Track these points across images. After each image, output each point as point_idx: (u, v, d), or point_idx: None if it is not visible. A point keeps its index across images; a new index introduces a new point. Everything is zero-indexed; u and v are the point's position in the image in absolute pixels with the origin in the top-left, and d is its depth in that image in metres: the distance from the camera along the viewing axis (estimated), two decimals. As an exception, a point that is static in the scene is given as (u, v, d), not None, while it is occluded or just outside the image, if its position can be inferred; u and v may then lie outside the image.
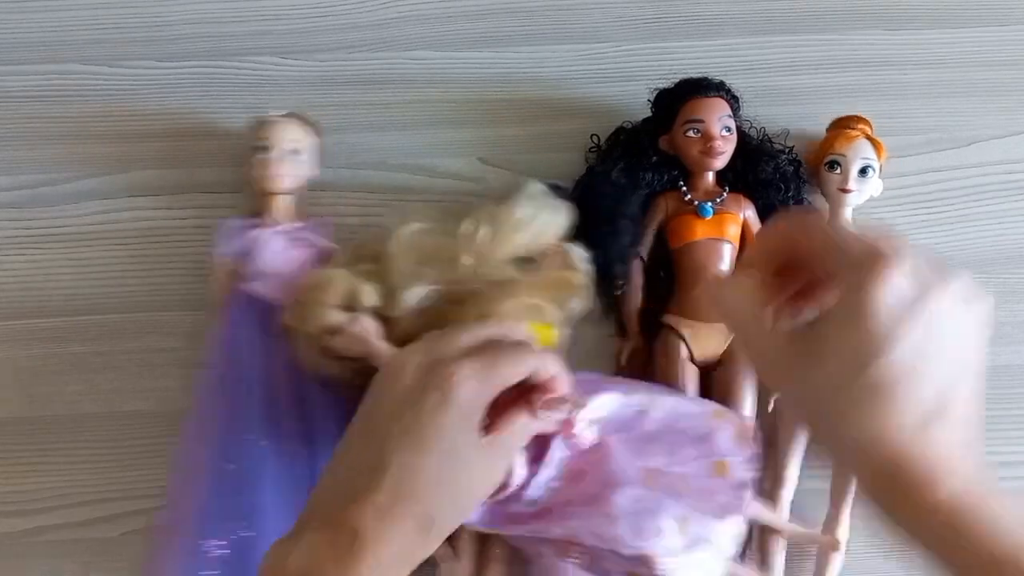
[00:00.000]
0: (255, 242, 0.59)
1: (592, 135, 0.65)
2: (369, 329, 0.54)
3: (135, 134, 0.65)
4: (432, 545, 0.41)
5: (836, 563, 0.58)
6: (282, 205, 0.61)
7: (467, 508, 0.43)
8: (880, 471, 0.33)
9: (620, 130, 0.64)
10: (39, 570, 0.54)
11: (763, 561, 0.59)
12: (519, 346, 0.45)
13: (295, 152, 0.60)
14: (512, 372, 0.43)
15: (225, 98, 0.66)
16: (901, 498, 0.32)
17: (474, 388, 0.41)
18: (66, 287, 0.63)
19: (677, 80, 0.62)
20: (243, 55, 0.67)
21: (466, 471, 0.41)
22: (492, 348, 0.43)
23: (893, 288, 0.32)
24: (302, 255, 0.60)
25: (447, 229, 0.57)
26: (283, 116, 0.61)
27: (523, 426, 0.44)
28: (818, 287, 0.37)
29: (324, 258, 0.60)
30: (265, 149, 0.60)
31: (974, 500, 0.32)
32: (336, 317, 0.54)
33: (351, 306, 0.55)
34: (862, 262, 0.33)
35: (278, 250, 0.59)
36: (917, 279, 0.32)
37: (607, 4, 0.69)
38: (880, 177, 0.62)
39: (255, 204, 0.61)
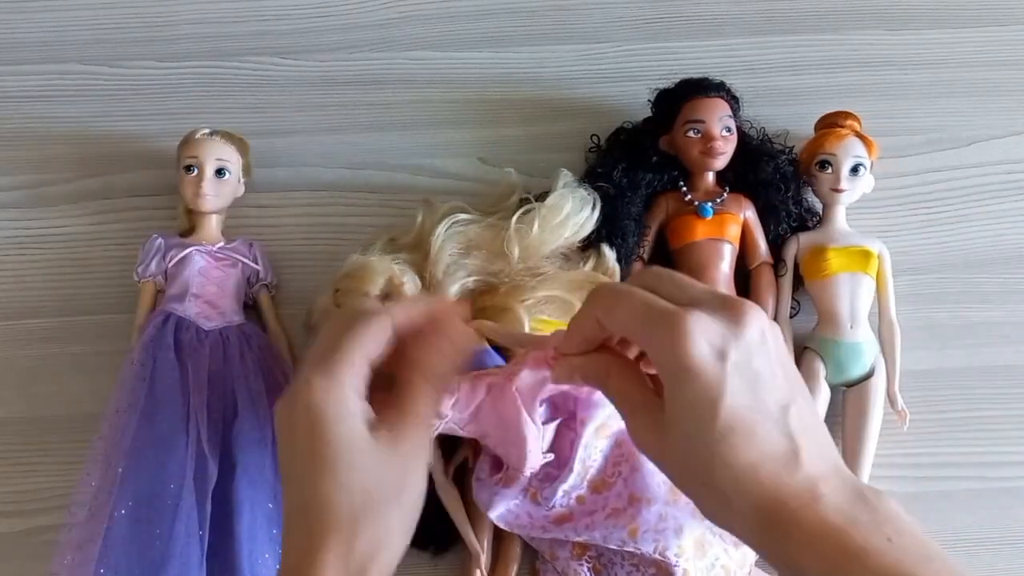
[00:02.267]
0: (179, 261, 0.59)
1: (592, 135, 0.65)
2: None
3: (135, 134, 0.65)
4: (377, 551, 0.37)
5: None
6: (209, 224, 0.60)
7: (398, 511, 0.38)
8: (761, 505, 0.33)
9: (620, 130, 0.64)
10: (39, 570, 0.54)
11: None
12: (357, 317, 0.40)
13: (222, 171, 0.59)
14: (362, 345, 0.39)
15: (225, 98, 0.66)
16: (788, 525, 0.33)
17: (322, 384, 0.37)
18: (66, 287, 0.62)
19: (677, 80, 0.62)
20: (243, 55, 0.67)
21: (363, 470, 0.37)
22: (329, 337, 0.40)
23: (698, 343, 0.34)
24: (227, 275, 0.59)
25: (489, 222, 0.57)
26: (210, 134, 0.60)
27: (425, 400, 0.40)
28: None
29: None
30: (191, 168, 0.59)
31: (855, 512, 0.33)
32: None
33: (390, 294, 0.54)
34: (656, 329, 0.35)
35: (203, 270, 0.59)
36: (713, 327, 0.35)
37: (608, 4, 0.69)
38: (872, 173, 0.62)
39: (185, 221, 0.62)
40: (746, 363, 0.34)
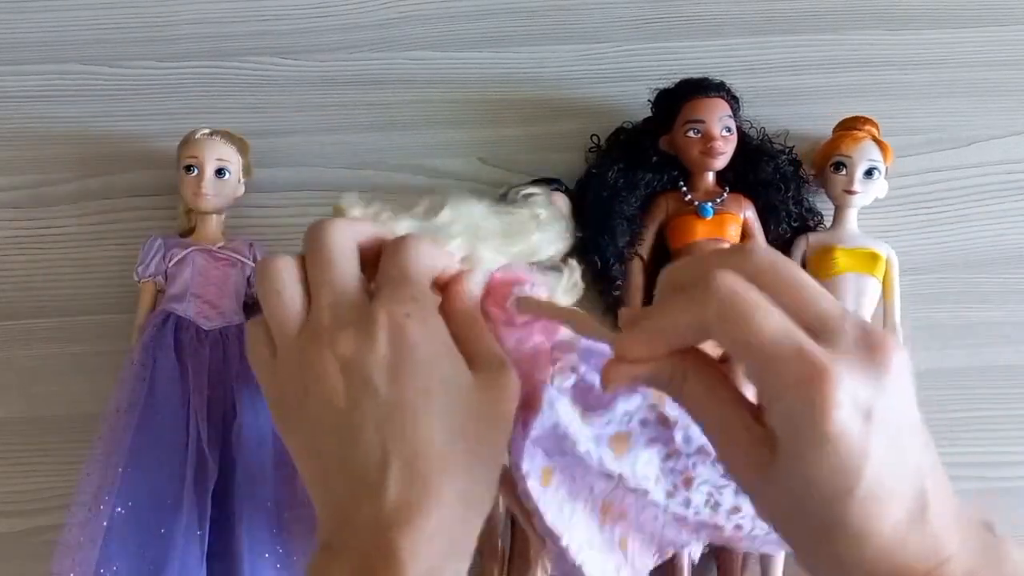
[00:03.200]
0: (179, 261, 0.59)
1: (592, 135, 0.65)
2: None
3: (135, 134, 0.65)
4: (477, 512, 0.35)
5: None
6: (209, 224, 0.60)
7: (493, 454, 0.36)
8: (884, 572, 0.29)
9: (620, 130, 0.64)
10: (39, 570, 0.54)
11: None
12: (412, 246, 0.38)
13: (222, 171, 0.59)
14: (430, 265, 0.37)
15: (225, 98, 0.66)
16: None
17: (421, 322, 0.35)
18: (66, 287, 0.62)
19: (677, 80, 0.62)
20: (243, 55, 0.67)
21: (469, 414, 0.34)
22: (391, 267, 0.37)
23: (844, 407, 0.28)
24: (227, 275, 0.59)
25: (498, 209, 0.54)
26: (210, 134, 0.60)
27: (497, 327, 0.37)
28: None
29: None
30: (191, 168, 0.59)
31: (984, 572, 0.29)
32: None
33: None
34: (802, 388, 0.28)
35: (203, 270, 0.59)
36: (859, 381, 0.28)
37: (608, 4, 0.69)
38: (886, 178, 0.62)
39: (185, 222, 0.62)
40: (891, 419, 0.29)
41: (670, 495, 0.39)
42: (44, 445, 0.60)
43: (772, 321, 0.29)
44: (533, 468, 0.37)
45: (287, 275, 0.37)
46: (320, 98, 0.67)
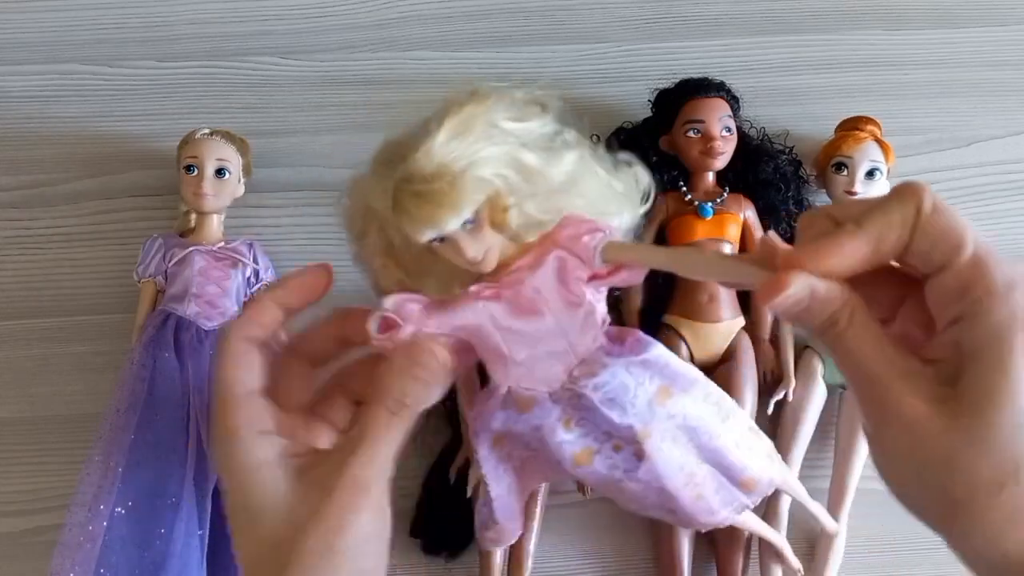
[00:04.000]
0: (180, 261, 0.59)
1: (592, 135, 0.64)
2: None
3: (135, 134, 0.65)
4: None
5: (836, 560, 0.58)
6: (209, 224, 0.60)
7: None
8: None
9: (620, 130, 0.64)
10: (39, 570, 0.54)
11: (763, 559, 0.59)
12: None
13: (222, 171, 0.59)
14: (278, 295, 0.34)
15: (225, 98, 0.66)
16: None
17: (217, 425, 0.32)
18: (66, 287, 0.63)
19: (677, 80, 0.62)
20: (243, 55, 0.67)
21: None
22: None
23: None
24: (227, 275, 0.59)
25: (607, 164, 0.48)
26: (210, 134, 0.60)
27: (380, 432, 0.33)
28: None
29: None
30: (191, 168, 0.59)
31: None
32: None
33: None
34: (1014, 291, 0.26)
35: (203, 270, 0.59)
36: None
37: (608, 4, 0.69)
38: (887, 179, 0.62)
39: (185, 221, 0.62)
40: None
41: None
42: (44, 445, 0.60)
43: (971, 228, 0.27)
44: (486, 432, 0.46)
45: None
46: (320, 98, 0.67)
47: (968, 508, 0.27)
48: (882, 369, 0.28)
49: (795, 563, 0.57)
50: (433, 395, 0.34)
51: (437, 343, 0.35)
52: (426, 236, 0.37)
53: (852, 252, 0.27)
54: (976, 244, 0.27)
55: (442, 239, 0.38)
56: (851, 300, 0.28)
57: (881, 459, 0.29)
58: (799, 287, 0.27)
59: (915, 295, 0.29)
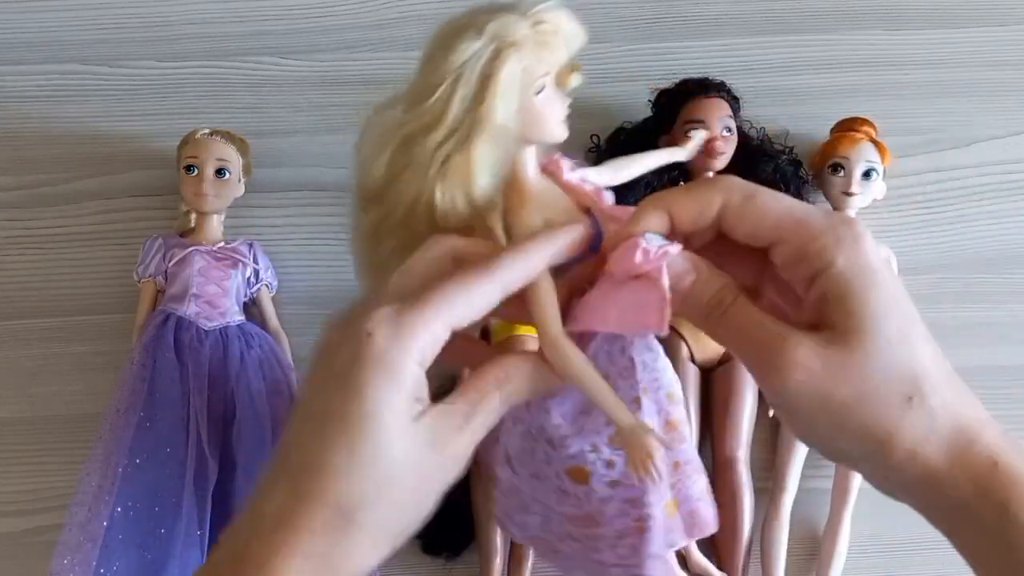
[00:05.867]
0: (180, 261, 0.59)
1: (592, 135, 0.65)
2: None
3: (135, 134, 0.65)
4: (359, 548, 0.30)
5: (838, 560, 0.58)
6: (209, 224, 0.60)
7: (407, 506, 0.32)
8: (965, 429, 0.30)
9: (620, 130, 0.64)
10: (39, 570, 0.54)
11: (766, 559, 0.59)
12: (474, 270, 0.32)
13: (222, 171, 0.59)
14: (456, 313, 0.31)
15: (225, 98, 0.66)
16: (1007, 478, 0.30)
17: (385, 346, 0.30)
18: (66, 287, 0.63)
19: (678, 80, 0.62)
20: (243, 55, 0.67)
21: (389, 457, 0.30)
22: (434, 282, 0.32)
23: (876, 247, 0.31)
24: (227, 275, 0.59)
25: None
26: (210, 134, 0.60)
27: (486, 412, 0.32)
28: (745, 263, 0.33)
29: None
30: (191, 168, 0.59)
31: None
32: None
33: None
34: (840, 229, 0.30)
35: (203, 270, 0.59)
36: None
37: (608, 4, 0.69)
38: (884, 180, 0.62)
39: (185, 221, 0.62)
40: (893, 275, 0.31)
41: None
42: (44, 445, 0.60)
43: (785, 198, 0.31)
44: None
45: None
46: (320, 98, 0.67)
47: (886, 430, 0.29)
48: (772, 334, 0.30)
49: None
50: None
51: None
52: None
53: (684, 205, 0.32)
54: (797, 211, 0.31)
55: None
56: (730, 283, 0.31)
57: (794, 419, 0.31)
58: (650, 217, 0.32)
59: (773, 272, 0.32)
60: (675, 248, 0.32)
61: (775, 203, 0.31)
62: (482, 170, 0.34)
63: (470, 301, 0.31)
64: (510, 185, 0.36)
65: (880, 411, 0.29)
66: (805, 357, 0.29)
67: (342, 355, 0.30)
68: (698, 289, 0.32)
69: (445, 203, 0.34)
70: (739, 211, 0.31)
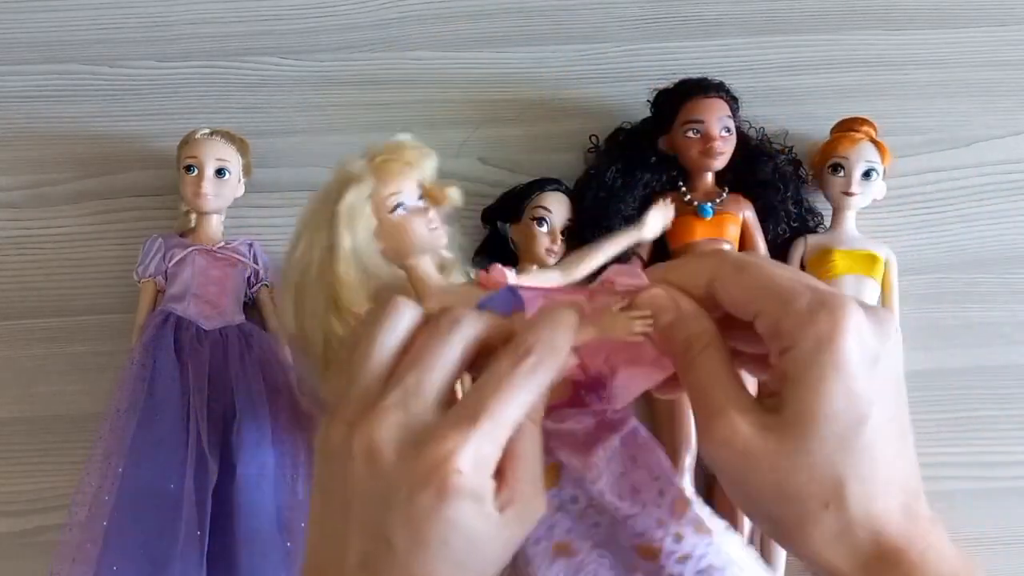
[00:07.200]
0: (180, 261, 0.59)
1: (592, 135, 0.65)
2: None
3: (135, 134, 0.65)
4: None
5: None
6: (209, 224, 0.60)
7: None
8: (884, 542, 0.28)
9: (620, 130, 0.64)
10: (39, 570, 0.54)
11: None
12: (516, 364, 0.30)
13: (222, 171, 0.59)
14: (516, 411, 0.30)
15: (225, 98, 0.66)
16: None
17: (478, 467, 0.29)
18: (66, 287, 0.63)
19: (677, 80, 0.62)
20: (243, 55, 0.67)
21: (483, 555, 0.29)
22: (483, 394, 0.30)
23: (858, 339, 0.28)
24: (227, 275, 0.59)
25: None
26: (210, 134, 0.60)
27: (537, 453, 0.31)
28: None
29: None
30: (191, 168, 0.59)
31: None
32: None
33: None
34: (817, 313, 0.28)
35: (203, 270, 0.59)
36: (868, 325, 0.29)
37: (608, 4, 0.69)
38: (884, 179, 0.62)
39: (185, 221, 0.62)
40: (890, 378, 0.29)
41: None
42: (44, 445, 0.60)
43: (784, 270, 0.30)
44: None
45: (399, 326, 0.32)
46: (320, 98, 0.67)
47: (798, 527, 0.29)
48: (717, 398, 0.30)
49: None
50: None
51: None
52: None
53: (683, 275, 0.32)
54: (782, 284, 0.29)
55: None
56: (708, 330, 0.31)
57: (721, 481, 0.31)
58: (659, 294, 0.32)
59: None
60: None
61: (761, 274, 0.30)
62: (352, 291, 0.39)
63: (521, 403, 0.30)
64: (414, 290, 0.41)
65: (794, 508, 0.29)
66: (735, 434, 0.29)
67: (421, 498, 0.28)
68: (674, 328, 0.31)
69: (347, 330, 0.38)
70: (726, 282, 0.31)
